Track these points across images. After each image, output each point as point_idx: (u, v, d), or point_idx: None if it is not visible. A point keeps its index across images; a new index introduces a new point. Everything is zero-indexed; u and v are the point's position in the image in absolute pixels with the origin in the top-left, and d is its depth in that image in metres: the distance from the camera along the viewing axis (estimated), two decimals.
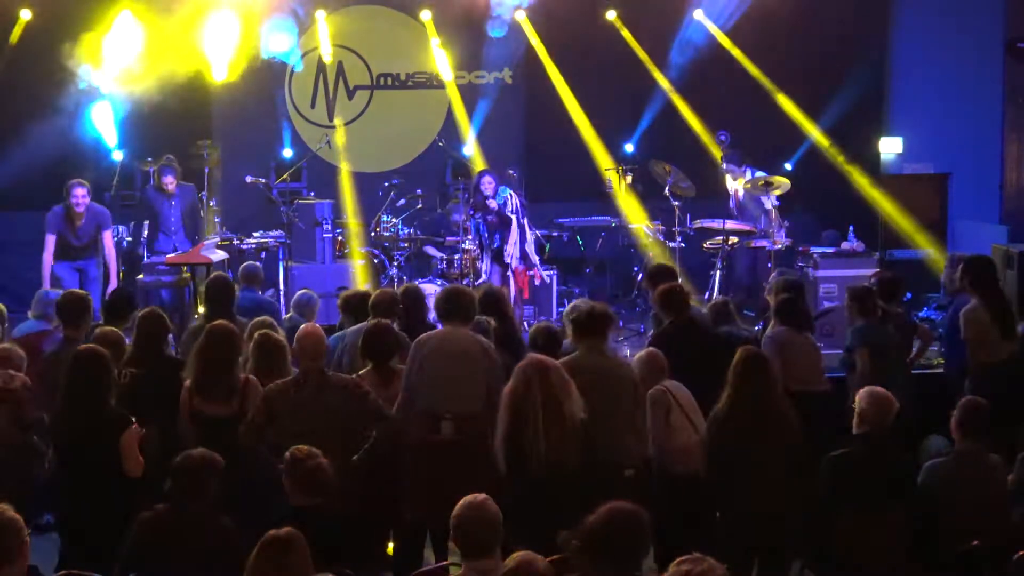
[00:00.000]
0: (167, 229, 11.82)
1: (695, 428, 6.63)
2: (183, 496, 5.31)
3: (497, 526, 4.79)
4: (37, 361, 7.55)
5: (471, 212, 11.98)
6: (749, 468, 6.09)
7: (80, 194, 11.19)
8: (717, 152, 12.86)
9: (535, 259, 12.02)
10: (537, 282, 12.03)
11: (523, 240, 11.88)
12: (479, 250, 12.00)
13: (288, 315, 9.27)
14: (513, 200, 11.85)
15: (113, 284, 11.20)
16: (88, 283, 11.13)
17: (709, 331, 7.97)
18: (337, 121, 14.79)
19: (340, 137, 14.63)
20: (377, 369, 6.88)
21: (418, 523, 6.70)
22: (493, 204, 11.82)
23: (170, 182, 11.78)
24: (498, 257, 11.89)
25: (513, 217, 11.79)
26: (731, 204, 12.77)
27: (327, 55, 14.39)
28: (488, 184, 11.86)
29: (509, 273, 11.82)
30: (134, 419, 6.20)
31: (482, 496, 4.89)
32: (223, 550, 5.15)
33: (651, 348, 7.20)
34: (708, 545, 4.70)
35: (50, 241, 11.20)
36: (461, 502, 4.87)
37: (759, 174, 12.42)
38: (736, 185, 12.68)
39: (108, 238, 11.47)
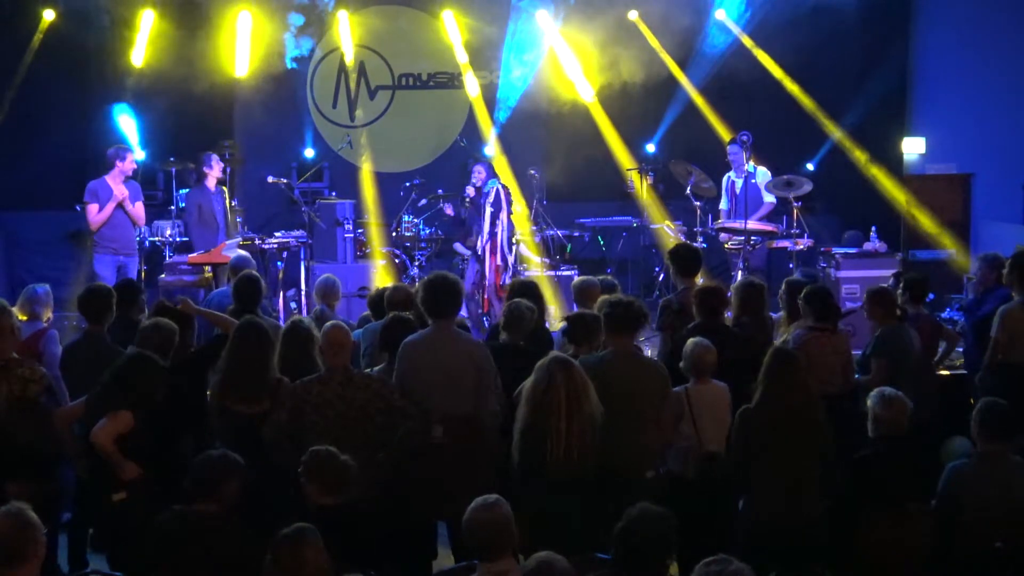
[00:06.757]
0: (217, 226, 11.81)
1: (699, 439, 6.58)
2: (199, 497, 5.26)
3: (509, 527, 4.74)
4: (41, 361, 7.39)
5: (464, 196, 12.11)
6: (775, 468, 6.05)
7: (131, 158, 11.40)
8: None
9: (509, 260, 11.74)
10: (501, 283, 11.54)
11: (507, 239, 11.71)
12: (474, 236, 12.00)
13: (316, 308, 9.24)
14: (497, 195, 11.59)
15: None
16: None
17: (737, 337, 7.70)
18: (358, 121, 14.83)
19: (362, 137, 14.66)
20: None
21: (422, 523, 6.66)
22: (470, 191, 11.95)
23: (215, 171, 11.82)
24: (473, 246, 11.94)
25: (489, 209, 11.50)
26: (727, 195, 12.43)
27: (349, 55, 14.45)
28: (479, 173, 11.90)
29: (485, 265, 11.57)
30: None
31: (493, 497, 4.83)
32: (236, 554, 5.06)
33: (700, 340, 6.89)
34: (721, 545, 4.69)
35: (93, 208, 11.17)
36: (472, 504, 4.81)
37: (761, 170, 12.29)
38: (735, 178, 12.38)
39: (140, 208, 11.53)
